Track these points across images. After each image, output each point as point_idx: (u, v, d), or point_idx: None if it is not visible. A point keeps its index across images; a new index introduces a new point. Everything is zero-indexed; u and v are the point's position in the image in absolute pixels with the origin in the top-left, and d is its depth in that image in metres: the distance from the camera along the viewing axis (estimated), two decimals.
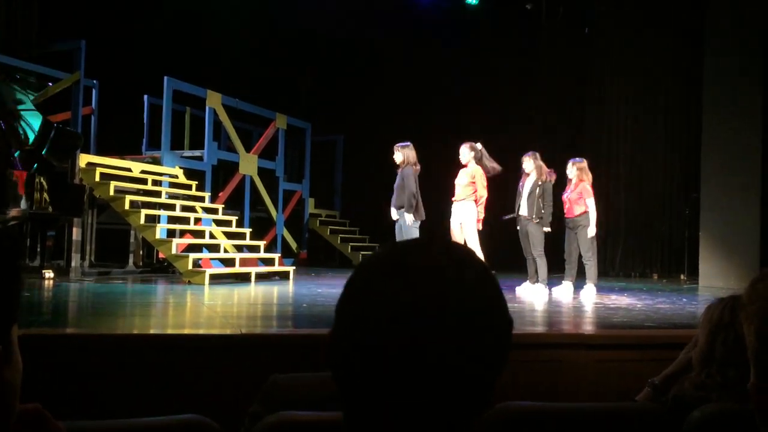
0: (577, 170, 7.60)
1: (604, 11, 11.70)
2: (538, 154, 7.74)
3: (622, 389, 3.18)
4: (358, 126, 12.20)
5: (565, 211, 7.68)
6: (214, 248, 8.38)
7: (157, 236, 7.81)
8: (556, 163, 8.24)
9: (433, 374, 0.68)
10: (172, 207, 8.56)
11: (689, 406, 1.66)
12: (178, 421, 1.29)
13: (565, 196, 7.68)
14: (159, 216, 8.23)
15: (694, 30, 10.34)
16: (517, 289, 7.52)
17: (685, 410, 1.63)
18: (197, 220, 8.62)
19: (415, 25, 12.28)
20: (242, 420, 1.59)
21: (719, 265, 9.21)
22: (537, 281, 7.50)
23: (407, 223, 7.01)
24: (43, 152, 7.55)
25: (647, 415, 1.75)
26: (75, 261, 7.79)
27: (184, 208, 8.69)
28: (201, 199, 9.16)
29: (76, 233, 7.84)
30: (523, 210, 7.63)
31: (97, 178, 8.04)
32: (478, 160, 7.36)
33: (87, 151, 8.63)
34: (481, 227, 7.26)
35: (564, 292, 7.38)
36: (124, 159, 8.90)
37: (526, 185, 7.67)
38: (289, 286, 7.77)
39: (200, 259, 7.70)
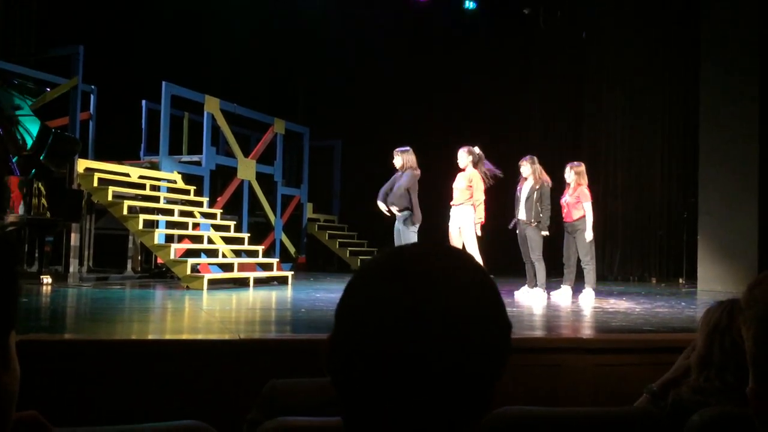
0: (575, 174, 7.60)
1: (602, 16, 11.73)
2: (535, 159, 7.74)
3: (621, 393, 3.18)
4: (356, 130, 12.21)
5: (563, 215, 7.68)
6: (212, 253, 8.38)
7: (156, 241, 7.80)
8: (554, 167, 8.24)
9: (432, 379, 0.68)
10: (170, 212, 8.56)
11: (688, 410, 1.66)
12: (176, 427, 1.29)
13: (563, 201, 7.69)
14: (157, 221, 8.22)
15: (691, 34, 10.36)
16: (516, 293, 7.52)
17: (684, 414, 1.63)
18: (195, 225, 8.62)
19: (414, 30, 12.31)
20: (241, 426, 1.59)
21: (717, 268, 9.21)
22: (536, 285, 7.50)
23: (403, 226, 7.00)
24: (41, 157, 7.55)
25: (646, 419, 1.75)
26: (73, 266, 7.78)
27: (183, 213, 8.69)
28: (199, 204, 9.15)
29: (74, 238, 7.82)
30: (522, 214, 7.64)
31: (96, 184, 8.03)
32: (476, 165, 7.36)
33: (85, 157, 8.63)
34: (480, 232, 7.24)
35: (563, 296, 7.38)
36: (122, 164, 8.90)
37: (524, 190, 7.68)
38: (288, 291, 7.76)
39: (198, 264, 7.70)
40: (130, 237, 8.98)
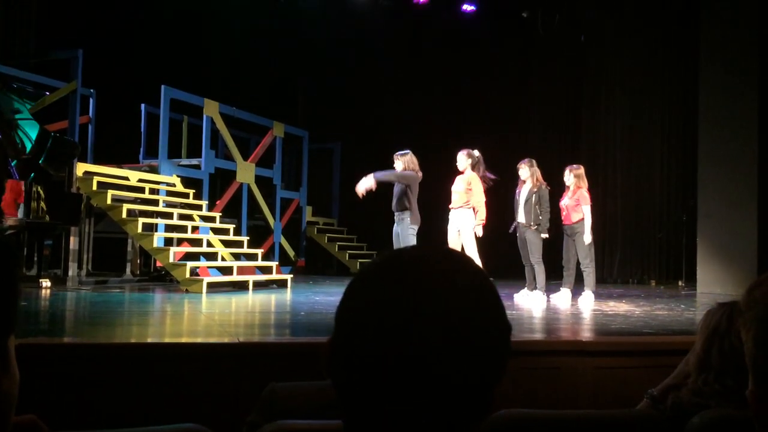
0: (574, 177, 7.61)
1: (601, 17, 11.74)
2: (534, 162, 7.75)
3: (621, 396, 3.18)
4: (356, 133, 12.21)
5: (562, 218, 7.68)
6: (211, 256, 8.37)
7: (155, 245, 7.80)
8: (553, 170, 8.24)
9: (432, 382, 0.68)
10: (169, 215, 8.56)
11: (688, 412, 1.66)
12: (176, 431, 1.28)
13: (562, 203, 7.69)
14: (156, 224, 8.22)
15: (691, 34, 10.37)
16: (516, 296, 7.52)
17: (683, 417, 1.63)
18: (195, 229, 8.61)
19: (413, 34, 12.32)
20: (240, 429, 1.58)
21: (717, 271, 9.21)
22: (535, 288, 7.50)
23: (402, 229, 7.00)
24: (40, 161, 7.55)
25: (646, 422, 1.75)
26: (72, 270, 7.78)
27: (182, 217, 8.69)
28: (198, 208, 9.15)
29: (73, 242, 7.82)
30: (521, 217, 7.64)
31: (95, 187, 8.04)
32: (474, 167, 7.36)
33: (84, 160, 8.63)
34: (481, 233, 7.23)
35: (562, 299, 7.38)
36: (121, 168, 8.90)
37: (523, 192, 7.68)
38: (287, 294, 7.75)
39: (198, 267, 7.69)
40: (129, 240, 8.98)
